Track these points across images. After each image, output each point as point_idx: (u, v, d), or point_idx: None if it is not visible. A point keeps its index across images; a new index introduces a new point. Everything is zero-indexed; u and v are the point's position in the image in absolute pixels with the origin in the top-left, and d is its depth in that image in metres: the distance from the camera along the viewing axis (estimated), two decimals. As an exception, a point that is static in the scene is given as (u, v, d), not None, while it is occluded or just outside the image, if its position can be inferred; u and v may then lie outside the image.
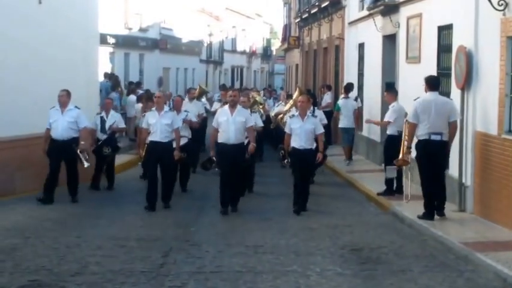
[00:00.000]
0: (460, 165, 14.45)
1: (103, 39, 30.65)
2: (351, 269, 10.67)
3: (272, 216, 14.87)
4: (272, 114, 23.30)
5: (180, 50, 49.38)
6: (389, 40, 21.29)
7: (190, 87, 31.56)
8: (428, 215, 13.77)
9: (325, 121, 19.77)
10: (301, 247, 11.93)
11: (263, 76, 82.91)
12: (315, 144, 15.57)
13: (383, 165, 17.57)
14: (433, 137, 13.73)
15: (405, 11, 19.39)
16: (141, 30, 41.13)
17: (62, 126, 15.95)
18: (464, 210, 14.29)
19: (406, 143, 14.53)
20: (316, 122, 15.59)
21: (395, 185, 16.40)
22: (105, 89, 27.49)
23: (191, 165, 19.10)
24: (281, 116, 21.00)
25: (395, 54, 20.39)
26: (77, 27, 19.51)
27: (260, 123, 18.46)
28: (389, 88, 17.87)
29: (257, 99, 22.25)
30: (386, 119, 16.54)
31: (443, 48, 16.25)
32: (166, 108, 15.96)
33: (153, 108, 15.77)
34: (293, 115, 15.97)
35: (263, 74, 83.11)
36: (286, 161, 15.98)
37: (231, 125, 15.06)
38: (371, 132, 23.11)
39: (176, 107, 18.05)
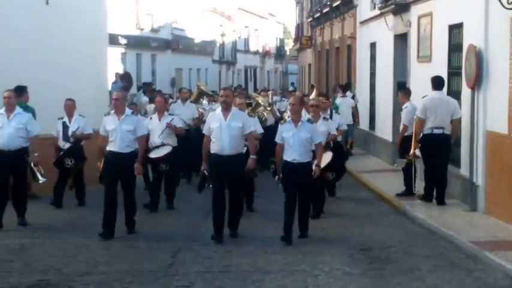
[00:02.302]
0: (470, 165, 14.46)
1: (114, 40, 30.84)
2: (359, 269, 10.71)
3: (281, 216, 14.74)
4: (286, 117, 21.59)
5: (193, 50, 49.47)
6: (401, 39, 21.28)
7: (181, 86, 28.07)
8: (427, 197, 15.31)
9: (345, 127, 16.94)
10: (310, 247, 11.97)
11: (277, 76, 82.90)
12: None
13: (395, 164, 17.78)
14: (436, 131, 15.06)
15: (416, 10, 19.40)
16: (153, 30, 41.26)
17: (8, 133, 13.44)
18: (475, 209, 14.29)
19: (414, 137, 15.34)
20: (313, 129, 12.87)
21: (415, 186, 16.37)
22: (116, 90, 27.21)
23: (177, 178, 16.62)
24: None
25: (407, 53, 20.38)
26: (85, 31, 19.53)
27: (260, 130, 15.43)
28: (403, 88, 17.86)
29: (259, 101, 20.65)
30: (403, 122, 16.28)
31: (454, 47, 16.25)
32: (128, 111, 13.06)
33: (112, 111, 13.13)
34: (285, 120, 13.24)
35: (277, 74, 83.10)
36: (277, 177, 13.08)
37: (224, 131, 12.43)
38: (383, 131, 23.13)
39: (159, 109, 15.75)
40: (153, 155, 15.18)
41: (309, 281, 10.05)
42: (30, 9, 17.70)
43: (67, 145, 15.66)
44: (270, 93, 29.04)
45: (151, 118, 15.88)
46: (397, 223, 14.27)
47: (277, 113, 21.57)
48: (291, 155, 12.56)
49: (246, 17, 67.81)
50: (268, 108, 21.16)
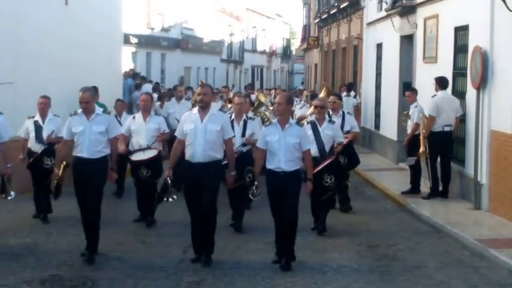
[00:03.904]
0: (475, 164, 14.41)
1: (126, 39, 30.75)
2: (367, 265, 10.70)
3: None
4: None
5: (201, 49, 49.44)
6: (407, 40, 21.23)
7: (176, 84, 25.80)
8: (434, 194, 15.43)
9: (357, 129, 15.19)
10: (318, 244, 11.91)
11: (283, 75, 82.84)
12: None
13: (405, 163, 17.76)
14: (446, 129, 15.38)
15: (422, 12, 19.33)
16: (163, 30, 41.24)
17: None
18: (479, 208, 14.23)
19: (423, 135, 15.48)
20: (303, 133, 10.85)
21: (421, 184, 16.33)
22: (128, 88, 26.91)
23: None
24: (304, 121, 14.23)
25: (413, 54, 20.33)
26: (102, 30, 19.60)
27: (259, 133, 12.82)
28: (411, 88, 17.79)
29: (262, 100, 18.80)
30: (415, 121, 16.11)
31: (460, 48, 16.20)
32: (98, 110, 11.14)
33: (79, 111, 11.04)
34: (270, 122, 11.39)
35: (283, 73, 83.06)
36: (254, 188, 10.68)
37: (199, 135, 10.45)
38: (388, 131, 23.08)
39: (143, 108, 13.73)
40: (135, 157, 13.44)
41: (317, 278, 10.01)
42: (49, 9, 17.71)
43: (41, 147, 13.63)
44: (272, 92, 28.57)
45: (134, 117, 13.87)
46: (403, 221, 14.23)
47: None
48: (275, 162, 10.51)
49: (253, 17, 67.79)
50: (271, 108, 18.81)
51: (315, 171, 11.65)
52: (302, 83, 54.83)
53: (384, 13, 23.46)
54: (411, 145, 15.92)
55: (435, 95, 15.55)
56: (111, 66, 20.13)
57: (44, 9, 17.48)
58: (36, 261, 10.53)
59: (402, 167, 19.51)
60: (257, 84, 57.67)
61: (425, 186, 15.93)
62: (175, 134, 10.94)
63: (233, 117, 13.18)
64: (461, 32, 16.10)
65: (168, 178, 10.77)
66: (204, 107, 10.60)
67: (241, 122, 13.27)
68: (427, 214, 14.08)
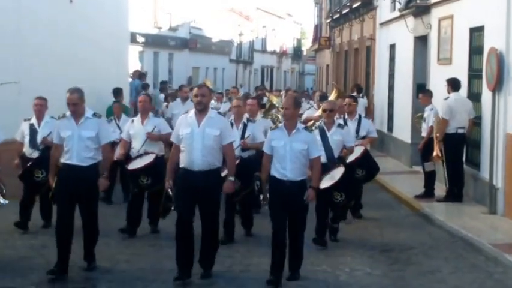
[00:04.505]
0: (491, 167, 14.49)
1: (133, 38, 30.87)
2: (380, 270, 10.81)
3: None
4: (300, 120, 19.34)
5: (210, 49, 49.56)
6: (421, 41, 21.30)
7: (182, 84, 25.44)
8: (450, 198, 15.51)
9: (374, 134, 14.55)
10: (331, 247, 12.00)
11: (293, 76, 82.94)
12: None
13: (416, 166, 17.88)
14: (460, 131, 15.48)
15: (437, 13, 19.41)
16: (171, 29, 41.37)
17: None
18: (494, 212, 14.31)
19: (437, 138, 15.53)
20: (312, 139, 10.23)
21: (435, 188, 16.41)
22: (135, 88, 26.99)
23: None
24: (311, 123, 14.15)
25: (427, 55, 20.40)
26: (107, 27, 19.74)
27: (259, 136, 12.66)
28: (425, 90, 17.90)
29: (274, 102, 18.37)
30: (430, 124, 16.20)
31: (475, 49, 16.27)
32: (89, 112, 10.45)
33: (67, 113, 10.48)
34: (276, 126, 10.60)
35: (293, 74, 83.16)
36: (262, 198, 10.25)
37: (196, 140, 9.88)
38: (401, 133, 23.16)
39: (142, 110, 13.13)
40: (132, 165, 12.84)
41: (330, 282, 10.14)
42: (54, 8, 17.88)
43: (35, 153, 13.01)
44: (282, 93, 28.40)
45: (132, 121, 13.30)
46: (417, 225, 14.33)
47: None
48: (280, 170, 9.97)
49: (263, 16, 67.91)
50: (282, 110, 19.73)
51: (325, 187, 11.47)
52: (311, 88, 54.60)
53: (397, 13, 23.54)
54: (426, 149, 16.00)
55: (448, 97, 15.67)
56: (117, 65, 20.26)
57: (49, 7, 17.62)
58: (45, 263, 10.62)
59: (416, 170, 19.58)
60: (267, 86, 57.75)
61: (441, 189, 15.98)
62: (171, 139, 10.47)
63: (232, 120, 12.65)
64: (476, 33, 16.18)
65: (169, 189, 10.07)
66: (201, 110, 9.98)
67: (241, 126, 12.64)
68: (441, 218, 14.18)
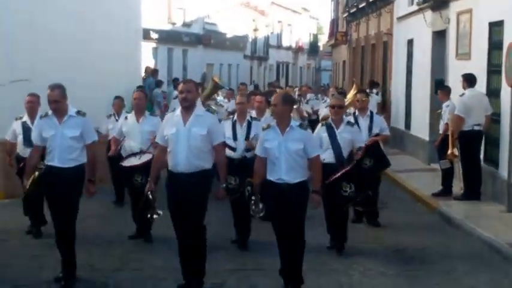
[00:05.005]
0: (509, 165, 14.47)
1: (146, 35, 31.01)
2: (394, 269, 10.86)
3: (315, 215, 14.56)
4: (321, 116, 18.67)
5: (224, 45, 49.63)
6: (439, 36, 21.32)
7: (184, 79, 25.11)
8: (468, 196, 15.54)
9: (387, 131, 13.95)
10: (345, 246, 12.07)
11: (309, 72, 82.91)
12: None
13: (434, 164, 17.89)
14: (476, 128, 15.52)
15: (455, 7, 19.43)
16: (185, 25, 41.49)
17: None
18: (512, 211, 14.39)
19: (452, 136, 15.50)
20: (308, 136, 9.61)
21: (452, 185, 16.46)
22: (148, 86, 26.94)
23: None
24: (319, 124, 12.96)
25: (445, 50, 20.43)
26: (119, 23, 19.85)
27: None
28: (443, 86, 17.93)
29: None
30: (445, 121, 16.34)
31: (494, 44, 16.29)
32: (72, 110, 9.95)
33: (50, 112, 9.97)
34: (269, 126, 9.73)
35: (309, 70, 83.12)
36: (253, 204, 9.66)
37: (182, 140, 9.36)
38: (419, 130, 23.20)
39: (137, 108, 12.68)
40: (127, 163, 12.45)
41: (343, 281, 10.23)
42: (63, 6, 18.03)
43: (29, 152, 11.68)
44: (296, 89, 28.05)
45: (126, 118, 12.91)
46: (433, 223, 14.39)
47: (305, 113, 20.14)
48: (275, 173, 9.40)
49: (279, 11, 67.90)
50: (295, 107, 18.06)
51: (331, 179, 11.13)
52: (327, 84, 54.34)
53: (415, 7, 23.58)
54: (442, 146, 16.04)
55: (463, 94, 15.74)
56: (129, 62, 20.36)
57: (59, 5, 17.78)
58: (56, 262, 10.68)
59: (434, 168, 19.60)
60: (282, 82, 57.79)
61: (458, 188, 16.03)
62: (156, 140, 9.97)
63: (236, 118, 12.22)
64: (496, 27, 16.19)
65: (149, 193, 9.53)
66: (187, 107, 9.40)
67: (245, 124, 12.07)
68: (458, 217, 14.22)
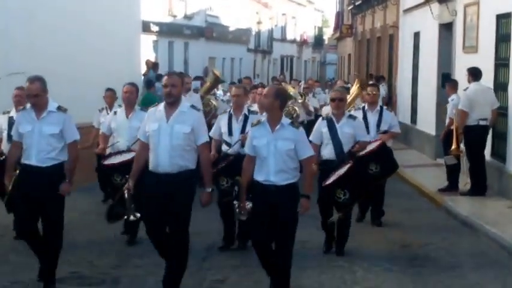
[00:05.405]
0: (517, 160, 14.59)
1: (146, 27, 31.11)
2: (398, 265, 10.89)
3: (317, 213, 14.43)
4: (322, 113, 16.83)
5: (227, 38, 49.55)
6: (446, 29, 21.35)
7: (168, 72, 22.95)
8: (475, 191, 15.48)
9: (398, 128, 13.42)
10: (348, 242, 11.95)
11: (314, 66, 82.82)
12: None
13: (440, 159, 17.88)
14: (481, 123, 15.41)
15: (462, -2, 19.48)
16: (186, 17, 41.42)
17: None
18: (520, 206, 14.43)
19: (456, 131, 15.43)
20: (299, 135, 8.97)
21: (459, 181, 16.48)
22: (150, 80, 26.83)
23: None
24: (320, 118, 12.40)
25: (452, 43, 20.44)
26: (118, 15, 19.90)
27: None
28: (450, 80, 17.96)
29: (291, 92, 17.54)
30: (449, 115, 16.37)
31: (502, 37, 16.31)
32: (52, 105, 9.31)
33: (28, 106, 9.51)
34: (259, 122, 9.16)
35: (314, 64, 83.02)
36: (237, 205, 9.24)
37: (164, 137, 8.88)
38: (425, 125, 23.23)
39: (127, 102, 12.06)
40: (108, 161, 11.67)
41: (346, 277, 10.27)
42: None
43: None
44: (301, 83, 27.66)
45: (115, 113, 12.37)
46: (439, 219, 14.43)
47: (311, 107, 19.54)
48: (263, 173, 8.86)
49: (283, 4, 67.79)
50: (300, 101, 18.50)
51: (326, 183, 10.74)
52: (332, 78, 54.27)
53: (421, -1, 23.63)
54: (447, 141, 16.06)
55: (467, 88, 15.71)
56: (129, 55, 20.40)
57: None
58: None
59: (440, 163, 19.57)
60: (287, 76, 57.75)
61: (463, 184, 16.06)
62: (138, 135, 9.47)
63: (232, 112, 11.67)
64: (503, 20, 16.20)
65: (126, 191, 9.10)
66: (172, 103, 8.97)
67: (241, 117, 11.49)
68: (464, 213, 14.25)
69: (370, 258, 11.26)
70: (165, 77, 9.20)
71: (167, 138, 8.84)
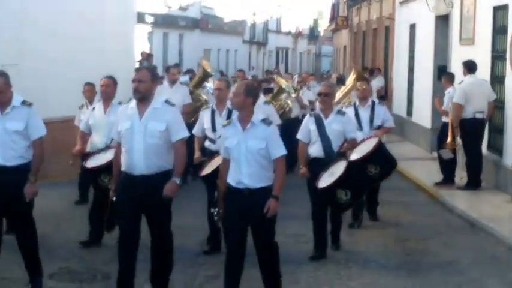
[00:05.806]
0: (514, 154, 14.47)
1: (141, 18, 30.91)
2: (395, 261, 10.81)
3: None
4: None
5: (222, 30, 49.48)
6: (442, 20, 21.21)
7: (169, 65, 23.02)
8: (471, 185, 15.36)
9: (392, 123, 12.92)
10: (344, 237, 11.89)
11: (309, 58, 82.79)
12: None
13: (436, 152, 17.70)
14: (478, 116, 15.26)
15: (459, -10, 19.33)
16: (181, 8, 41.29)
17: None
18: (517, 200, 14.30)
19: (452, 125, 15.31)
20: (271, 133, 8.33)
21: (455, 175, 16.35)
22: None
23: None
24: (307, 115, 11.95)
25: (448, 35, 20.32)
26: (112, 5, 19.72)
27: (278, 121, 12.72)
28: (446, 72, 17.83)
29: (283, 85, 17.22)
30: (444, 108, 16.21)
31: (499, 29, 16.18)
32: (17, 100, 8.78)
33: None
34: (230, 121, 8.70)
35: (309, 56, 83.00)
36: (214, 211, 8.72)
37: (137, 137, 8.34)
38: (421, 118, 23.11)
39: (104, 96, 11.46)
40: (91, 163, 10.91)
41: (342, 273, 10.16)
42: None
43: None
44: (295, 77, 27.34)
45: (93, 108, 11.63)
46: (435, 214, 14.30)
47: (305, 101, 19.03)
48: (235, 176, 8.28)
49: (278, -5, 67.77)
50: (293, 95, 18.22)
51: (325, 185, 10.17)
52: (327, 71, 54.26)
53: (418, -9, 23.48)
54: (442, 135, 15.94)
55: (462, 81, 15.58)
56: (123, 46, 20.23)
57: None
58: (45, 253, 10.49)
59: (436, 157, 19.47)
60: (281, 68, 57.64)
61: (459, 178, 15.89)
62: (111, 135, 9.10)
63: (214, 106, 11.13)
64: (500, 11, 16.08)
65: (114, 198, 8.67)
66: (142, 99, 8.40)
67: (225, 112, 10.89)
68: (461, 207, 14.13)
69: (366, 253, 11.15)
70: (135, 72, 8.60)
71: (141, 137, 8.31)
